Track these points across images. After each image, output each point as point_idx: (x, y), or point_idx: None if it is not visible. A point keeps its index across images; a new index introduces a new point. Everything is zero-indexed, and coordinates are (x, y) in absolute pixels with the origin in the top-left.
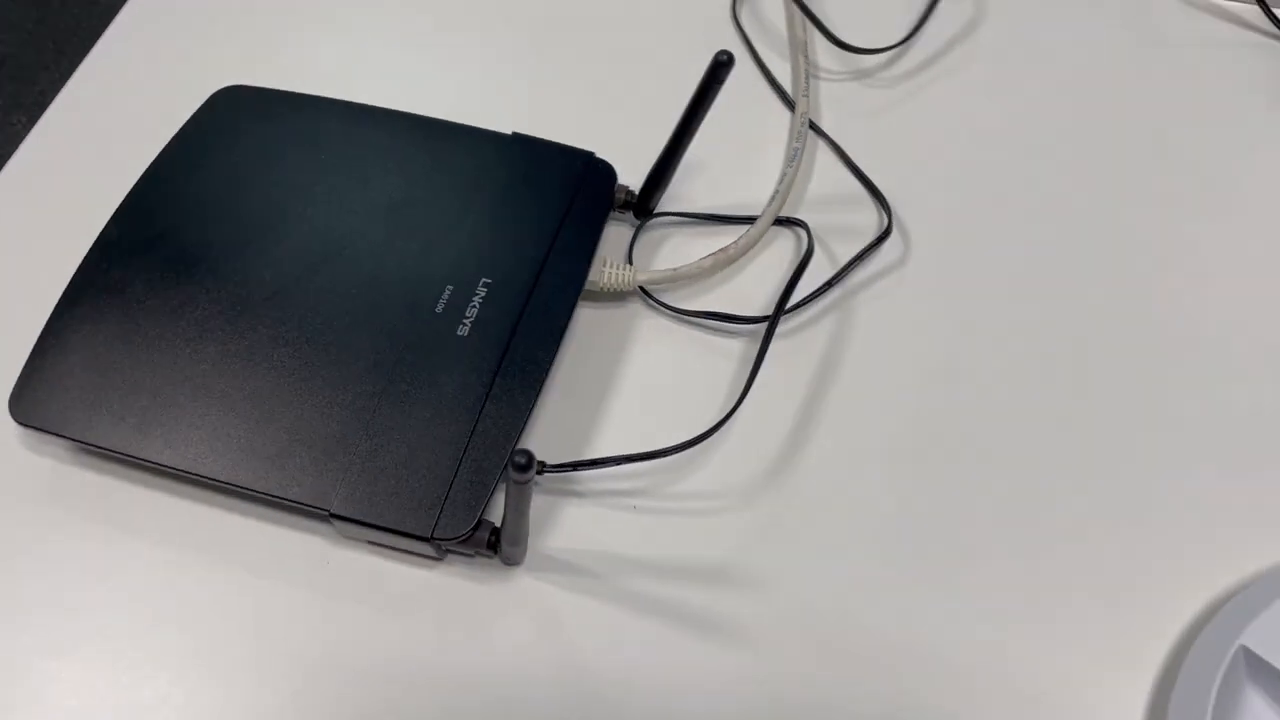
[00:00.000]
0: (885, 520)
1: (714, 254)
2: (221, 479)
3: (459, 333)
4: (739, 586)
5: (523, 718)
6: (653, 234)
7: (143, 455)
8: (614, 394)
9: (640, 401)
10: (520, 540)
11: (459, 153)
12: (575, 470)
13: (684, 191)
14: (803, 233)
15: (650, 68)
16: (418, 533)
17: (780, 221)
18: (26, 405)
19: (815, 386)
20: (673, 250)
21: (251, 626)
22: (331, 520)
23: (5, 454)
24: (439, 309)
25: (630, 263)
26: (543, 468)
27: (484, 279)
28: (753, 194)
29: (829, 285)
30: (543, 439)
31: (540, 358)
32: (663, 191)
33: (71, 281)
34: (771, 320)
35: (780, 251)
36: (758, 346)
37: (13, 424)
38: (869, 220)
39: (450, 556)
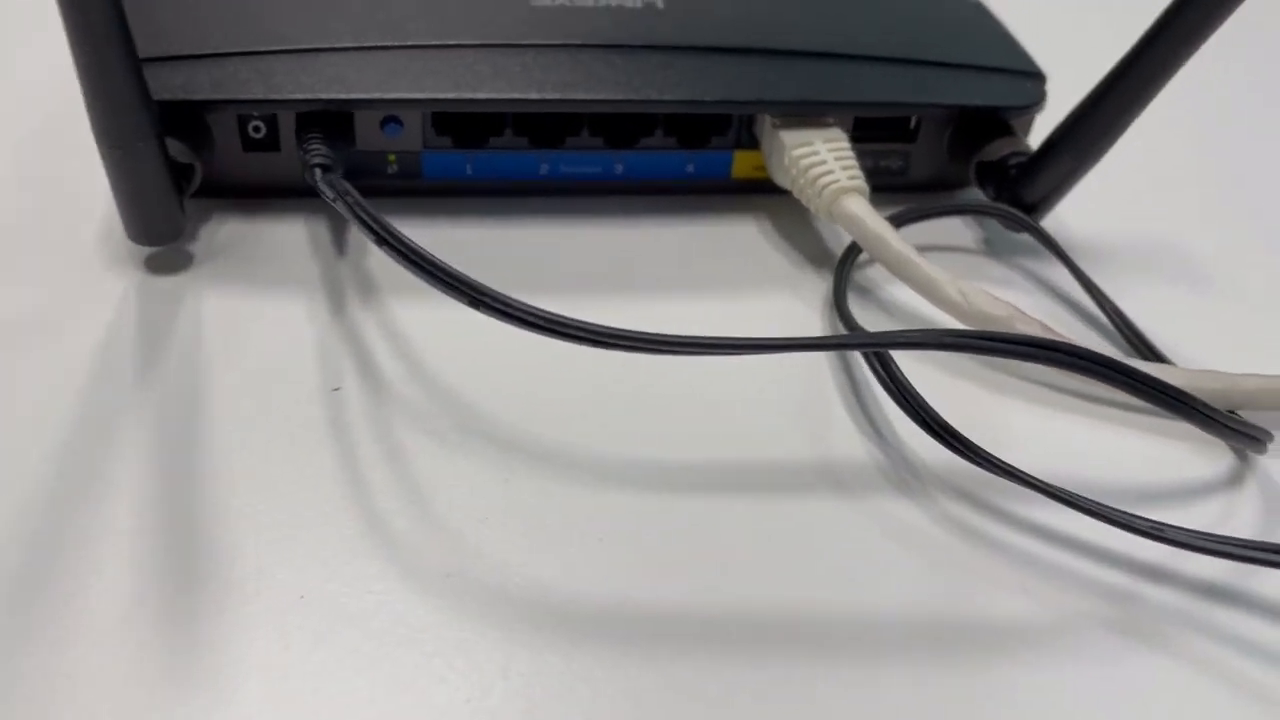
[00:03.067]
0: None
1: (1020, 314)
2: None
3: None
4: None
5: None
6: (979, 252)
7: None
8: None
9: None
10: (120, 143)
11: None
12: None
13: (1133, 258)
14: (1248, 455)
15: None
16: None
17: (1216, 423)
18: None
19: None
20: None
21: None
22: None
23: None
24: None
25: (864, 185)
26: (324, 162)
27: None
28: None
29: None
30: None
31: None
32: (1070, 182)
33: None
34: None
35: (1151, 453)
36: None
37: None
38: None
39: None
